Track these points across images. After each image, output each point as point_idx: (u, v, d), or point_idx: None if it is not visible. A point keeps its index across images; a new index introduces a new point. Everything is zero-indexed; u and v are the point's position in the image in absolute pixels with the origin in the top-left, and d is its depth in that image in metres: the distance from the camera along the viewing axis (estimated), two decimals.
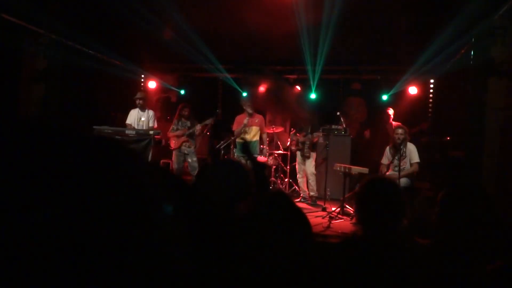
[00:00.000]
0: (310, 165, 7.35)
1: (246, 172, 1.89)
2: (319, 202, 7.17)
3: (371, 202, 1.93)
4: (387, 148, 6.43)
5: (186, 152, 7.40)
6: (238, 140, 7.57)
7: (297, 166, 7.62)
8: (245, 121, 7.42)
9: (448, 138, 6.76)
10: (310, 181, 7.37)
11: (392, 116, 7.91)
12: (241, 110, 7.71)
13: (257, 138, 7.60)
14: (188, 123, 7.47)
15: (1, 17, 5.89)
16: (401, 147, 5.96)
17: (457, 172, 6.30)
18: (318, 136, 7.18)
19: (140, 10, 6.90)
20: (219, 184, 1.84)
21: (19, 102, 6.83)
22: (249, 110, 7.51)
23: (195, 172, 7.49)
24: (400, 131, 6.09)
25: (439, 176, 6.86)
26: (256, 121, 7.53)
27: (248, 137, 7.49)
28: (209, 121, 7.41)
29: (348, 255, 1.82)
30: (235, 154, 7.66)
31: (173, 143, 7.46)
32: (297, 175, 7.62)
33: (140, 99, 7.48)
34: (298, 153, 7.55)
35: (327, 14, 7.01)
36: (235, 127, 7.64)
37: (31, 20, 6.36)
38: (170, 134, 7.51)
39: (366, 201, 1.96)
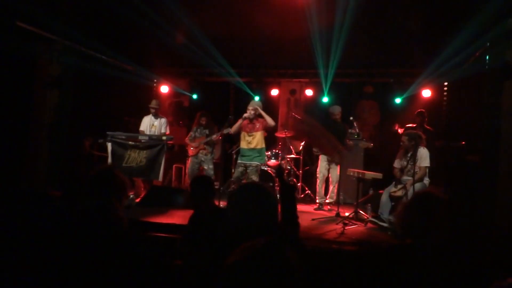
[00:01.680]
0: (336, 171, 7.13)
1: (274, 198, 1.80)
2: (332, 207, 7.12)
3: (422, 215, 2.07)
4: (400, 152, 6.39)
5: (202, 159, 7.41)
6: (242, 146, 7.17)
7: (319, 172, 7.32)
8: (245, 115, 6.95)
9: (464, 142, 6.68)
10: (333, 187, 7.18)
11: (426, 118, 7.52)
12: None
13: (263, 145, 6.96)
14: (207, 131, 7.47)
15: (16, 24, 5.97)
16: (409, 153, 5.94)
17: (473, 176, 6.21)
18: (352, 146, 6.96)
19: (152, 16, 6.94)
20: (245, 209, 1.76)
21: (34, 107, 6.91)
22: (245, 114, 6.91)
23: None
24: (403, 138, 6.09)
25: (455, 181, 6.77)
26: (257, 126, 6.93)
27: (251, 145, 6.92)
28: (227, 131, 7.22)
29: (400, 263, 1.97)
30: (238, 160, 7.29)
31: (190, 150, 7.49)
32: (318, 181, 7.33)
33: (153, 108, 7.54)
34: (322, 157, 7.29)
35: (339, 17, 6.98)
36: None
37: (45, 27, 6.44)
38: (188, 141, 7.53)
39: (417, 214, 2.09)
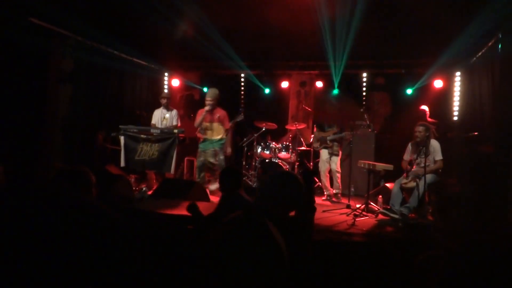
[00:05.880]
0: (336, 163, 7.29)
1: (301, 184, 2.15)
2: (343, 199, 7.14)
3: None
4: (409, 144, 6.38)
5: None
6: (204, 136, 7.30)
7: (320, 165, 7.50)
8: (204, 113, 7.16)
9: (476, 133, 6.60)
10: (335, 178, 7.31)
11: (428, 113, 7.70)
12: (260, 106, 7.54)
13: (222, 135, 7.20)
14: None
15: (29, 21, 6.07)
16: (422, 145, 5.93)
17: (485, 168, 6.15)
18: (351, 135, 7.03)
19: (163, 9, 6.97)
20: (276, 193, 2.08)
21: (47, 102, 7.02)
22: (206, 107, 7.16)
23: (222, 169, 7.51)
24: (420, 128, 6.06)
25: (467, 172, 6.72)
26: (217, 116, 7.16)
27: (209, 134, 7.22)
28: (240, 118, 7.31)
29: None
30: (199, 148, 7.41)
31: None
32: (321, 174, 7.51)
33: (164, 98, 7.64)
34: (323, 151, 7.47)
35: (349, 8, 6.93)
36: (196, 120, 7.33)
37: (58, 23, 6.53)
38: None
39: None
